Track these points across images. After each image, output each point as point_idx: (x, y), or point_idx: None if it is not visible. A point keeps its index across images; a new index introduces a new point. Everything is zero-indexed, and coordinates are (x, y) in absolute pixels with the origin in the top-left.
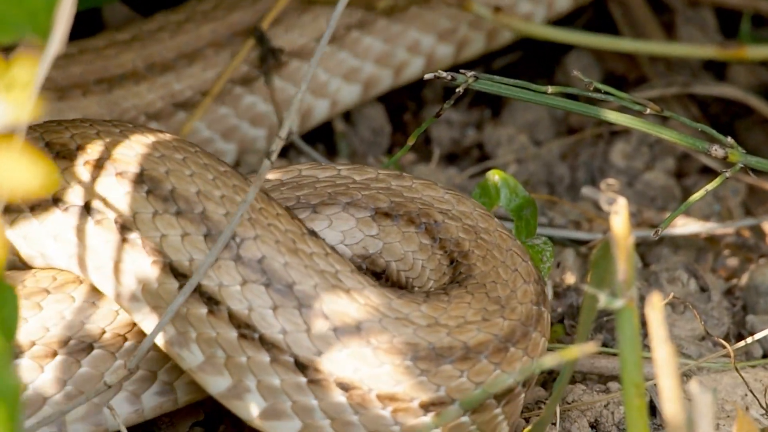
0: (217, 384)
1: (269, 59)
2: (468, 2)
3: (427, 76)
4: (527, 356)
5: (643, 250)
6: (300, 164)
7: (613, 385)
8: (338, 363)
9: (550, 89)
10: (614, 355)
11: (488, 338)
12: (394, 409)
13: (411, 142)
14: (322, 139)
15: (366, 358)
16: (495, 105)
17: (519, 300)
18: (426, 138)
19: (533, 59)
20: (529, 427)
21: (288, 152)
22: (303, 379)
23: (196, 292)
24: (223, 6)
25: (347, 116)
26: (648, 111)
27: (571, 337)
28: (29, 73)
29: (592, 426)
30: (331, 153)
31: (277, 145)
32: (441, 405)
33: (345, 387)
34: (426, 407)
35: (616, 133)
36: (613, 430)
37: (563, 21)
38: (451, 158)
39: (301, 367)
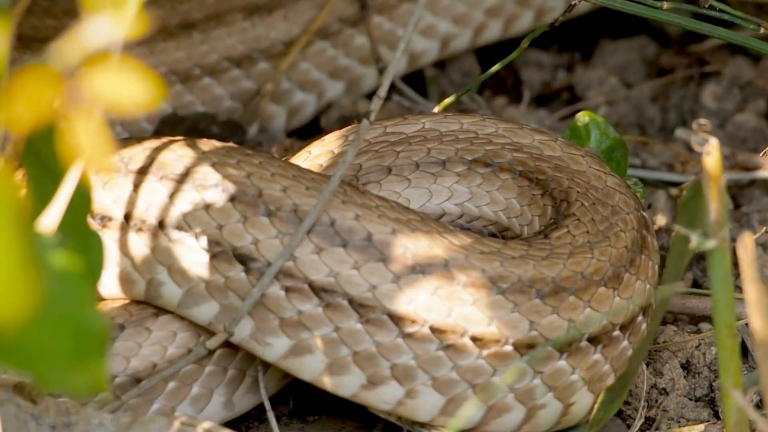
0: (310, 367)
1: None
2: None
3: None
4: (640, 281)
5: (735, 191)
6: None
7: (704, 325)
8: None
9: (665, 5)
10: (705, 295)
11: (602, 265)
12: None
13: (518, 52)
14: (410, 80)
15: (459, 297)
16: (586, 47)
17: (622, 228)
18: (516, 80)
19: None
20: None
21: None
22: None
23: (310, 289)
24: None
25: None
26: (762, 30)
27: (661, 278)
28: None
29: (683, 367)
30: (421, 95)
31: (376, 105)
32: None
33: (438, 332)
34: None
35: (707, 74)
36: (704, 371)
37: None
38: (542, 100)
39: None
